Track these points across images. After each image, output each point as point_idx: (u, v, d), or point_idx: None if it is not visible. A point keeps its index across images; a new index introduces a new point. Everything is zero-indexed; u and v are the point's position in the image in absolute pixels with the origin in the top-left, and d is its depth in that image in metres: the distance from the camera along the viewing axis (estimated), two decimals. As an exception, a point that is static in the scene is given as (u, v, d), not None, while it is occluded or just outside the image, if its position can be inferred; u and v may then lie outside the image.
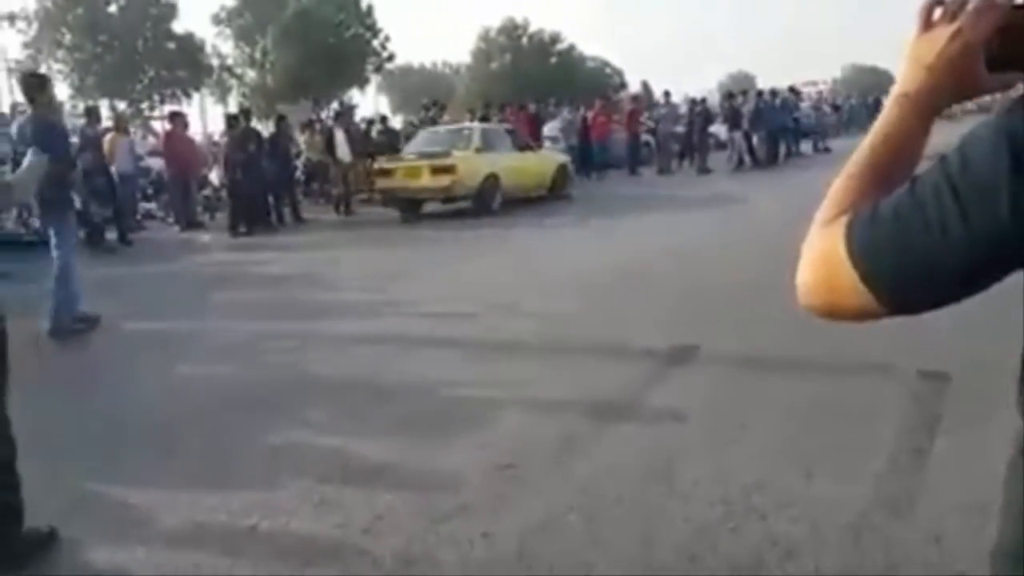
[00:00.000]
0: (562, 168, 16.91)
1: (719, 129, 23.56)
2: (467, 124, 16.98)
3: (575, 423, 4.44)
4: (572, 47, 52.30)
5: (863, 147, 0.95)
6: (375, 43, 39.38)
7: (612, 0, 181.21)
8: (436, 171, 14.06)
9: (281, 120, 17.13)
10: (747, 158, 21.56)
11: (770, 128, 22.00)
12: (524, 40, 51.08)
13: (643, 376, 5.17)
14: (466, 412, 4.70)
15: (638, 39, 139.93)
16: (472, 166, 14.32)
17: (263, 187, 14.99)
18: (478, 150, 14.79)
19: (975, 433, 3.96)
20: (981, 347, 5.46)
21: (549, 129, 22.77)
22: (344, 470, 3.95)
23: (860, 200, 0.89)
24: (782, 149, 22.75)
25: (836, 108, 30.48)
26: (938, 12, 0.94)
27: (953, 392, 4.65)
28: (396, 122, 24.33)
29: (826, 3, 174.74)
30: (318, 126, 18.81)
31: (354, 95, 39.21)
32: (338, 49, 36.53)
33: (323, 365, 5.87)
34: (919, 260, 0.80)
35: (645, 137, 23.38)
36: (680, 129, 23.40)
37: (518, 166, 15.28)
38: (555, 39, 51.80)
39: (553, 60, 50.62)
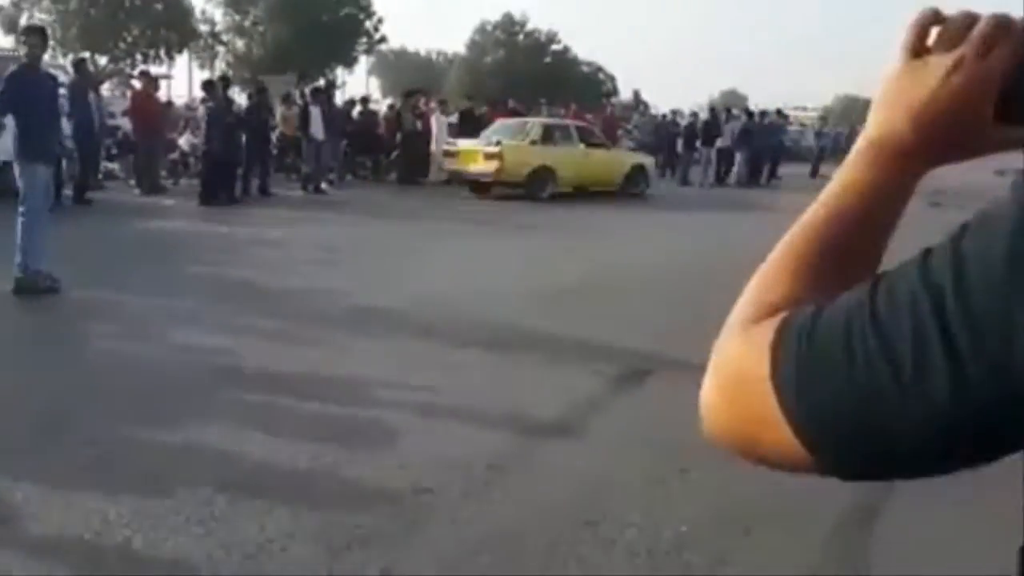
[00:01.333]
0: (637, 168, 17.82)
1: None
2: (531, 119, 18.94)
3: (506, 446, 4.13)
4: (567, 49, 52.10)
5: (809, 214, 0.65)
6: (368, 24, 38.88)
7: (616, 7, 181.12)
8: (488, 157, 15.85)
9: (261, 91, 16.67)
10: (731, 175, 21.41)
11: (755, 149, 21.84)
12: (520, 37, 50.79)
13: (587, 398, 4.87)
14: (391, 424, 4.36)
15: (637, 49, 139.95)
16: (520, 156, 15.92)
17: (236, 158, 14.55)
18: (533, 142, 16.37)
19: (925, 489, 3.71)
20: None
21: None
22: (244, 480, 3.60)
23: (798, 293, 0.60)
24: (765, 170, 22.59)
25: (820, 135, 30.32)
26: (934, 34, 0.63)
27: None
28: (382, 105, 23.84)
29: (830, 30, 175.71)
30: (298, 101, 18.37)
31: (342, 74, 38.65)
32: (330, 26, 35.99)
33: (247, 355, 5.48)
34: (876, 413, 0.50)
35: (629, 144, 23.14)
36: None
37: (579, 161, 16.56)
38: (551, 39, 51.59)
39: (547, 60, 50.37)
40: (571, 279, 8.36)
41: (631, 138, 23.35)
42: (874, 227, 0.64)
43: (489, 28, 51.24)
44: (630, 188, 17.42)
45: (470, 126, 20.21)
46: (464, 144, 16.72)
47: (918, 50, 0.63)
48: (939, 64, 0.61)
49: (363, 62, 46.00)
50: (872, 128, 0.65)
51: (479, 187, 16.23)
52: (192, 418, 4.32)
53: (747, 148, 21.65)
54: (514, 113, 21.71)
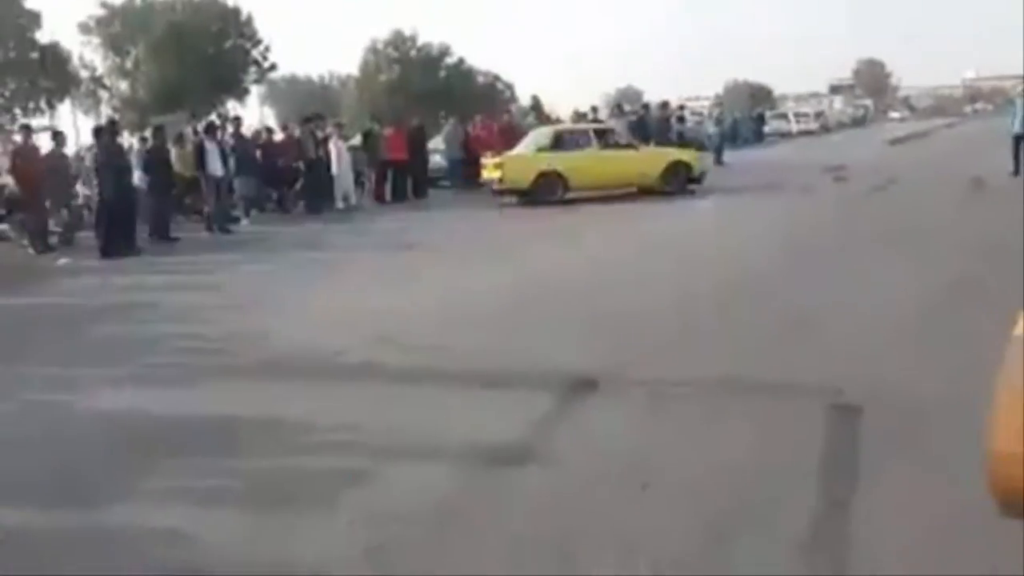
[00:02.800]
0: (676, 164, 17.55)
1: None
2: (546, 127, 19.70)
3: (459, 482, 3.88)
4: (462, 61, 52.04)
5: None
6: (255, 53, 38.03)
7: (505, 15, 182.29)
8: (495, 167, 17.27)
9: (158, 131, 16.03)
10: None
11: (657, 142, 22.03)
12: (413, 53, 50.50)
13: (537, 419, 4.64)
14: (332, 476, 4.05)
15: (532, 54, 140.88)
16: (521, 164, 17.07)
17: (132, 205, 13.90)
18: (540, 149, 17.32)
19: (895, 476, 3.62)
20: (889, 373, 5.27)
21: (434, 143, 22.14)
22: (183, 567, 3.26)
23: None
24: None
25: (719, 122, 30.94)
26: None
27: (866, 427, 4.32)
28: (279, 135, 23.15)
29: (715, 22, 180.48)
30: (192, 139, 17.73)
31: (234, 106, 37.70)
32: (216, 59, 35.06)
33: (161, 415, 5.09)
34: None
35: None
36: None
37: (595, 164, 16.84)
38: (444, 52, 51.43)
39: (443, 73, 50.21)
40: (500, 296, 8.14)
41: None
42: None
43: (380, 46, 50.80)
44: (669, 186, 17.20)
45: (373, 148, 19.90)
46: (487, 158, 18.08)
47: None
48: None
49: (255, 92, 45.00)
50: None
51: (522, 194, 16.98)
52: (112, 496, 3.94)
53: (647, 142, 21.78)
54: (418, 131, 21.41)
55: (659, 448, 4.20)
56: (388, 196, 19.90)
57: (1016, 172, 16.81)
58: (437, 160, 21.63)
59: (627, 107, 25.85)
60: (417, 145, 20.50)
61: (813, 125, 48.94)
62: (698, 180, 17.59)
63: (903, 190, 15.61)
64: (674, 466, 3.96)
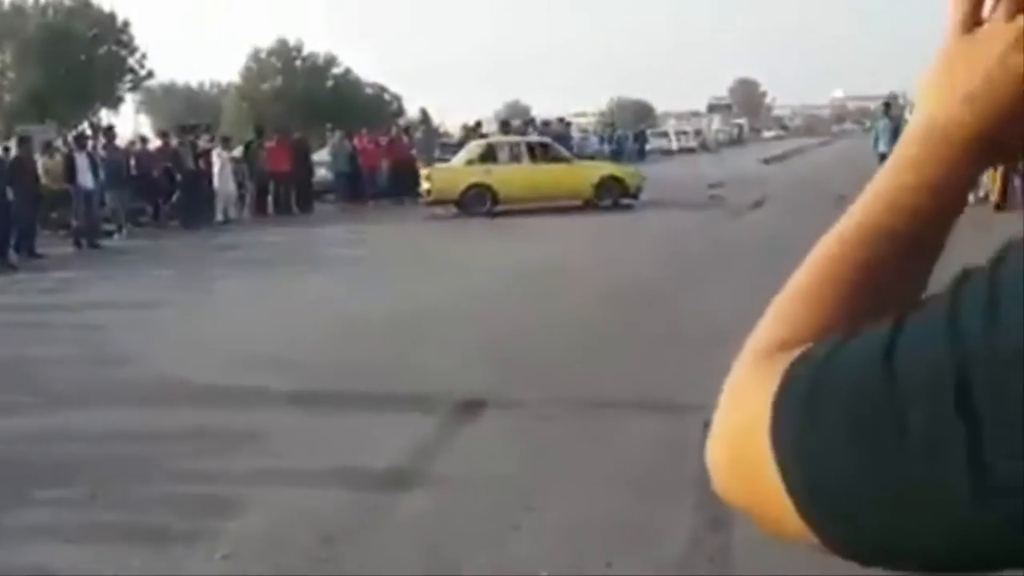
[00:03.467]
0: (609, 179, 17.64)
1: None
2: (478, 141, 19.40)
3: (339, 511, 3.78)
4: (348, 71, 51.38)
5: (849, 226, 0.53)
6: (131, 60, 36.61)
7: (394, 26, 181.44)
8: (425, 179, 17.63)
9: (24, 142, 15.16)
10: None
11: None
12: (298, 62, 49.57)
13: (420, 441, 4.58)
14: (204, 509, 3.88)
15: (421, 67, 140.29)
16: (449, 176, 17.36)
17: (6, 219, 13.14)
18: (469, 162, 17.47)
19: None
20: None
21: (319, 156, 21.71)
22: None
23: (826, 321, 0.50)
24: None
25: (603, 140, 31.62)
26: (988, 4, 0.51)
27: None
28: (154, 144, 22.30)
29: (599, 38, 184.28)
30: (61, 149, 16.89)
31: (107, 116, 36.14)
32: (89, 66, 33.56)
33: (30, 436, 4.79)
34: (882, 501, 0.42)
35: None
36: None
37: (527, 177, 17.04)
38: (330, 62, 50.68)
39: (329, 84, 49.45)
40: (385, 316, 8.03)
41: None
42: (930, 238, 0.52)
43: (263, 55, 49.65)
44: (600, 200, 17.24)
45: (255, 160, 19.36)
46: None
47: (971, 24, 0.52)
48: (997, 38, 0.50)
49: (130, 100, 43.32)
50: (922, 119, 0.52)
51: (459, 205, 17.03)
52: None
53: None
54: (302, 143, 21.00)
55: (542, 470, 4.21)
56: (271, 210, 19.41)
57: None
58: (323, 173, 21.22)
59: (515, 122, 26.04)
60: (301, 157, 20.09)
61: (693, 143, 50.66)
62: (634, 195, 17.67)
63: (776, 207, 16.23)
64: (556, 488, 3.97)
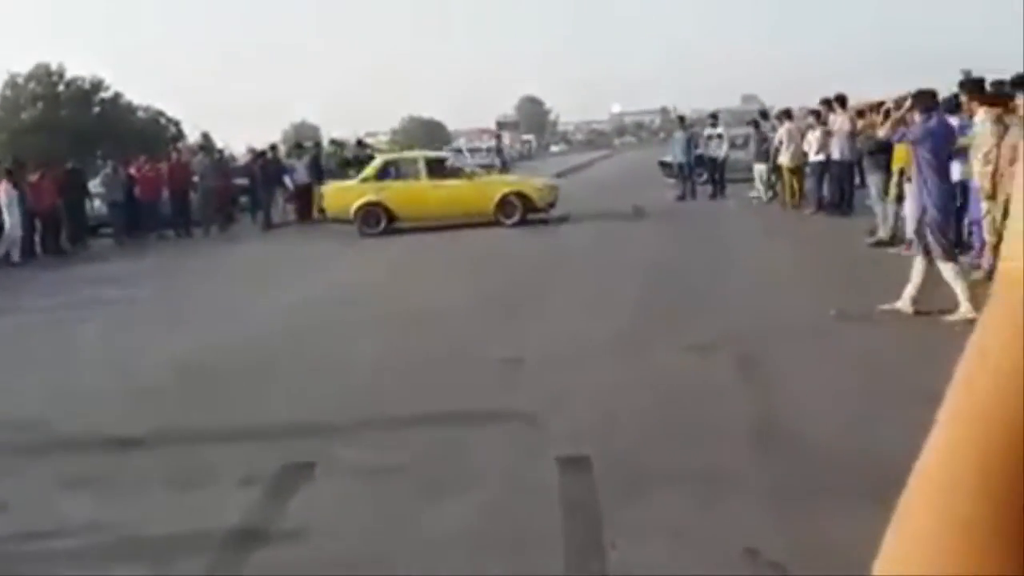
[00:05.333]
0: (511, 195, 16.51)
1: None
2: (380, 158, 18.91)
3: None
4: (118, 95, 47.94)
5: None
6: None
7: (167, 51, 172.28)
8: (321, 197, 17.37)
9: None
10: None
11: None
12: (61, 88, 45.70)
13: (243, 512, 3.97)
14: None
15: (200, 91, 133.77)
16: (342, 194, 16.87)
17: None
18: (364, 180, 16.88)
19: (644, 537, 3.45)
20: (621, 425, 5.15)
21: (93, 186, 19.74)
22: None
23: None
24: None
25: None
26: None
27: (600, 479, 4.16)
28: None
29: (389, 59, 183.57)
30: None
31: None
32: None
33: None
34: None
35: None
36: (243, 182, 21.75)
37: (424, 195, 16.36)
38: (97, 87, 47.10)
39: (96, 110, 45.93)
40: (171, 369, 7.21)
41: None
42: None
43: (21, 81, 45.41)
44: (507, 217, 16.18)
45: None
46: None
47: None
48: None
49: None
50: None
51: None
52: None
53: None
54: (73, 174, 19.09)
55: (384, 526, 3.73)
56: (38, 249, 17.42)
57: (683, 197, 18.60)
58: (97, 206, 19.37)
59: (307, 143, 25.09)
60: (75, 190, 18.24)
61: (489, 160, 51.07)
62: (543, 210, 16.60)
63: (582, 220, 16.39)
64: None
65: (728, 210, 16.63)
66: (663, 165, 22.82)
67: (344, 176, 19.07)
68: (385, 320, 8.25)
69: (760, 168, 17.26)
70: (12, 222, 16.26)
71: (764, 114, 19.62)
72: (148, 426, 5.42)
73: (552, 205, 16.86)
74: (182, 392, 6.29)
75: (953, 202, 7.78)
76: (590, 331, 7.08)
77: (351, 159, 22.56)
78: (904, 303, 6.88)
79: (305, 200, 20.72)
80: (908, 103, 7.34)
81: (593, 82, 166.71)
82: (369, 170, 17.30)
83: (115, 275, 13.85)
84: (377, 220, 16.36)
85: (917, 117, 7.09)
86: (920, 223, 6.86)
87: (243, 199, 22.05)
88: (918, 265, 6.87)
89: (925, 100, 7.13)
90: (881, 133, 7.90)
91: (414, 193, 16.51)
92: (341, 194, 16.95)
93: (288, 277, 12.05)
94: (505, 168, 25.63)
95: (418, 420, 5.22)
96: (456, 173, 17.43)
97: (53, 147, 31.01)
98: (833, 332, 6.61)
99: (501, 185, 17.38)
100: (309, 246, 15.84)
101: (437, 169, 17.15)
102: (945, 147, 7.02)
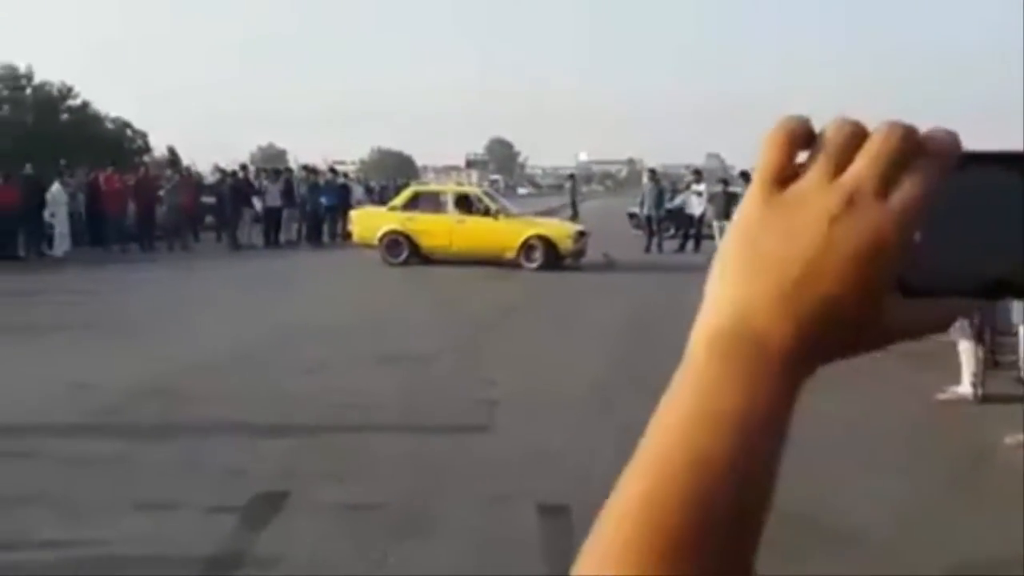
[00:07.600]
0: (534, 238, 15.80)
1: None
2: (411, 187, 19.28)
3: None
4: (87, 104, 47.33)
5: (652, 476, 0.40)
6: None
7: (143, 65, 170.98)
8: (352, 223, 17.44)
9: None
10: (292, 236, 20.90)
11: (313, 206, 21.48)
12: (28, 92, 45.01)
13: (218, 544, 3.83)
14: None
15: (171, 106, 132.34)
16: (372, 220, 16.89)
17: None
18: (394, 207, 16.83)
19: None
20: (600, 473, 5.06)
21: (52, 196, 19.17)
22: None
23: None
24: (325, 229, 22.04)
25: (369, 190, 31.02)
26: (803, 156, 0.41)
27: (580, 527, 4.08)
28: None
29: (364, 88, 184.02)
30: None
31: None
32: None
33: None
34: None
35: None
36: (211, 200, 21.49)
37: (450, 229, 16.02)
38: (66, 94, 46.47)
39: (64, 117, 45.26)
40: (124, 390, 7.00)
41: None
42: (764, 478, 0.40)
43: (-14, 81, 44.65)
44: (528, 261, 15.58)
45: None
46: None
47: (783, 178, 0.40)
48: (817, 204, 0.39)
49: None
50: (730, 316, 0.40)
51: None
52: None
53: (296, 207, 21.25)
54: (32, 181, 18.60)
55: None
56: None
57: (648, 249, 18.78)
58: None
59: (281, 168, 24.94)
60: (31, 197, 17.76)
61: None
62: (570, 257, 15.83)
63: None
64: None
65: (696, 263, 16.77)
66: (631, 216, 23.05)
67: (316, 202, 19.04)
68: (340, 360, 8.14)
69: (721, 224, 17.51)
70: None
71: (725, 181, 19.69)
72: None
73: (579, 255, 16.13)
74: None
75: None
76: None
77: (322, 185, 22.49)
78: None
79: (273, 223, 20.57)
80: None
81: (560, 130, 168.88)
82: (399, 199, 17.40)
83: (68, 286, 13.51)
84: (400, 250, 16.18)
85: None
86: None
87: (208, 218, 21.82)
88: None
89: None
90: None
91: (439, 226, 16.19)
92: (370, 219, 17.01)
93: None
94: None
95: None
96: (484, 210, 16.51)
97: (17, 153, 30.41)
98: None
99: (527, 227, 16.49)
100: (274, 270, 15.63)
101: (464, 204, 16.51)
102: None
